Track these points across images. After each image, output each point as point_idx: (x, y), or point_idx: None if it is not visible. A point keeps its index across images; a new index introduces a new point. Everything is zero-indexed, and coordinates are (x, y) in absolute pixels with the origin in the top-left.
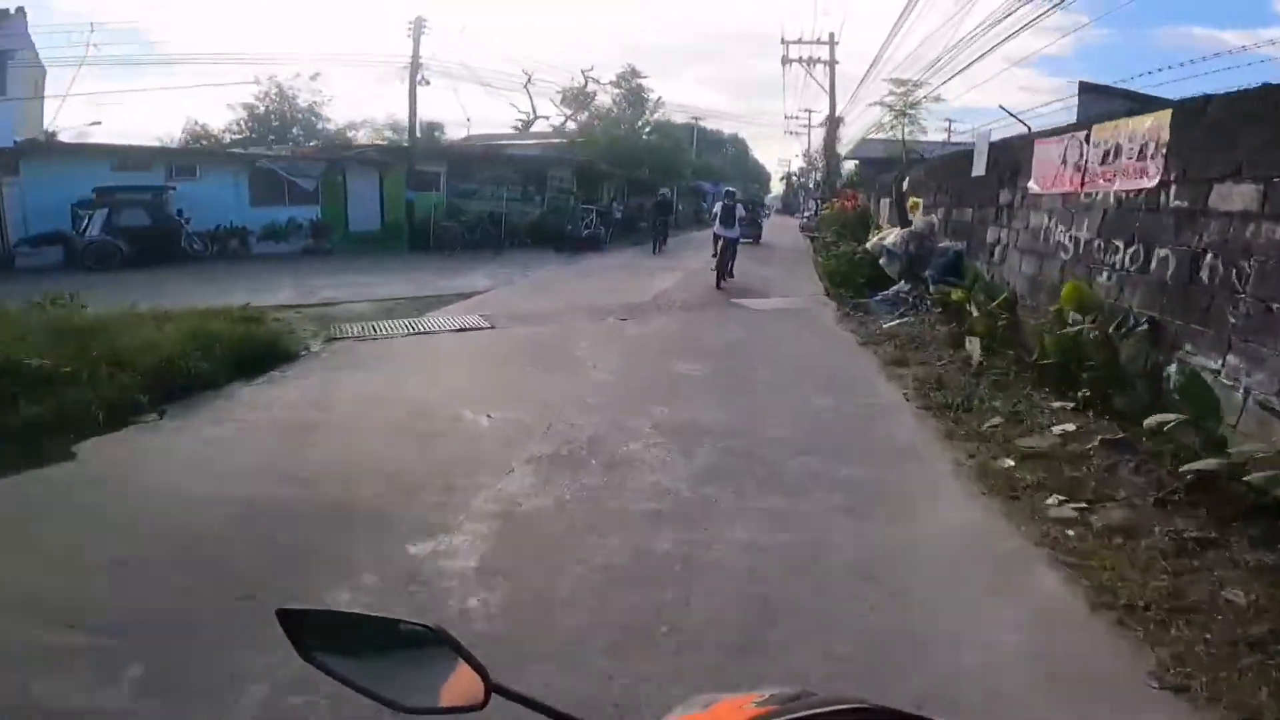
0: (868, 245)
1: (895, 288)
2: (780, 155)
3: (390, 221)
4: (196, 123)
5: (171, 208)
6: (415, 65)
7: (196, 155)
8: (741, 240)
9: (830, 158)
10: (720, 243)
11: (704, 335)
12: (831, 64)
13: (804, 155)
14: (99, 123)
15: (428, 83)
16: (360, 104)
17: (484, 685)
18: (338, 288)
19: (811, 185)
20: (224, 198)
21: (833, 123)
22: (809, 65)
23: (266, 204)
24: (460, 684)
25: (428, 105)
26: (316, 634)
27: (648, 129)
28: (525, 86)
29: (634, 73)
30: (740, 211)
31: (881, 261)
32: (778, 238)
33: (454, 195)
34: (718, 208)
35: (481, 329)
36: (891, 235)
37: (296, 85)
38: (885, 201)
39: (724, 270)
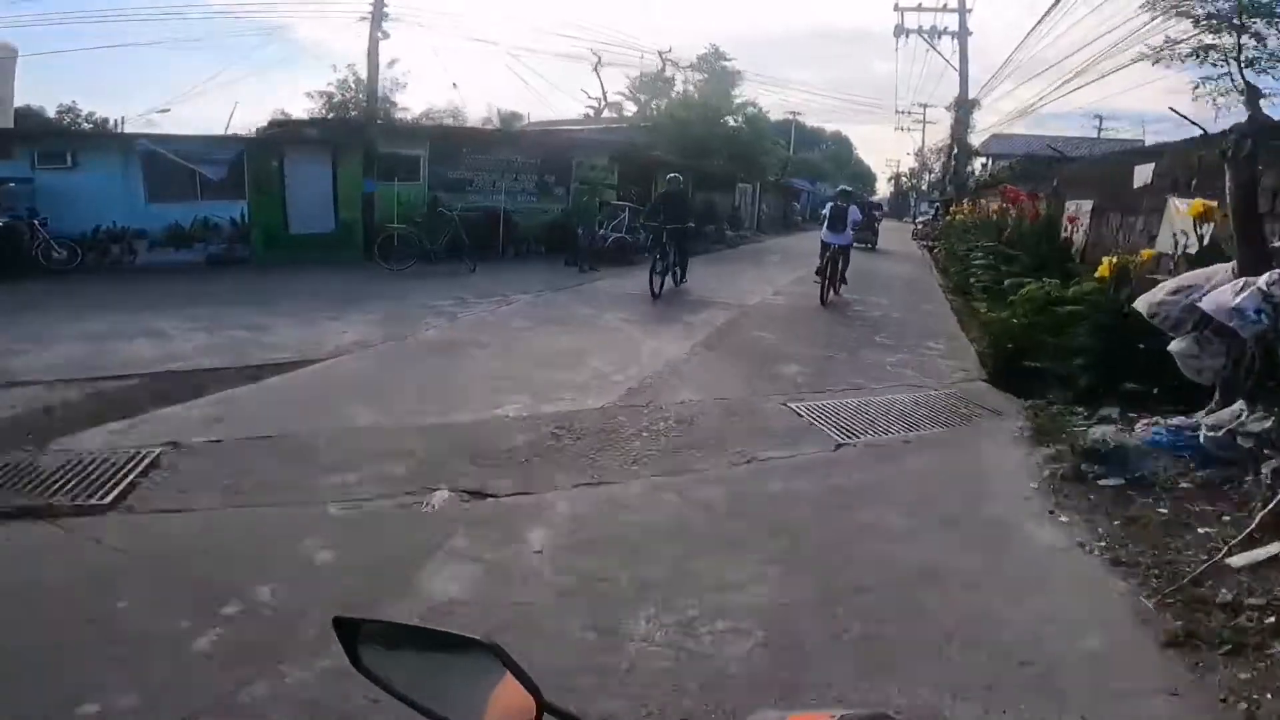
0: (1150, 299)
1: (1227, 414)
2: (888, 156)
3: (348, 220)
4: (283, 113)
5: (22, 205)
6: (378, 5)
7: (68, 138)
8: (854, 246)
9: (960, 151)
10: (828, 252)
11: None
12: (962, 34)
13: (916, 153)
14: (168, 110)
15: (386, 35)
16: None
17: (536, 703)
18: (95, 341)
19: (925, 186)
20: (108, 192)
21: (963, 106)
22: (932, 36)
23: (169, 199)
24: (511, 701)
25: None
26: (370, 644)
27: (739, 119)
28: (595, 70)
29: (718, 54)
30: (855, 214)
31: (1179, 345)
32: (889, 245)
33: (439, 186)
34: (826, 209)
35: None
36: (1230, 286)
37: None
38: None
39: (833, 282)
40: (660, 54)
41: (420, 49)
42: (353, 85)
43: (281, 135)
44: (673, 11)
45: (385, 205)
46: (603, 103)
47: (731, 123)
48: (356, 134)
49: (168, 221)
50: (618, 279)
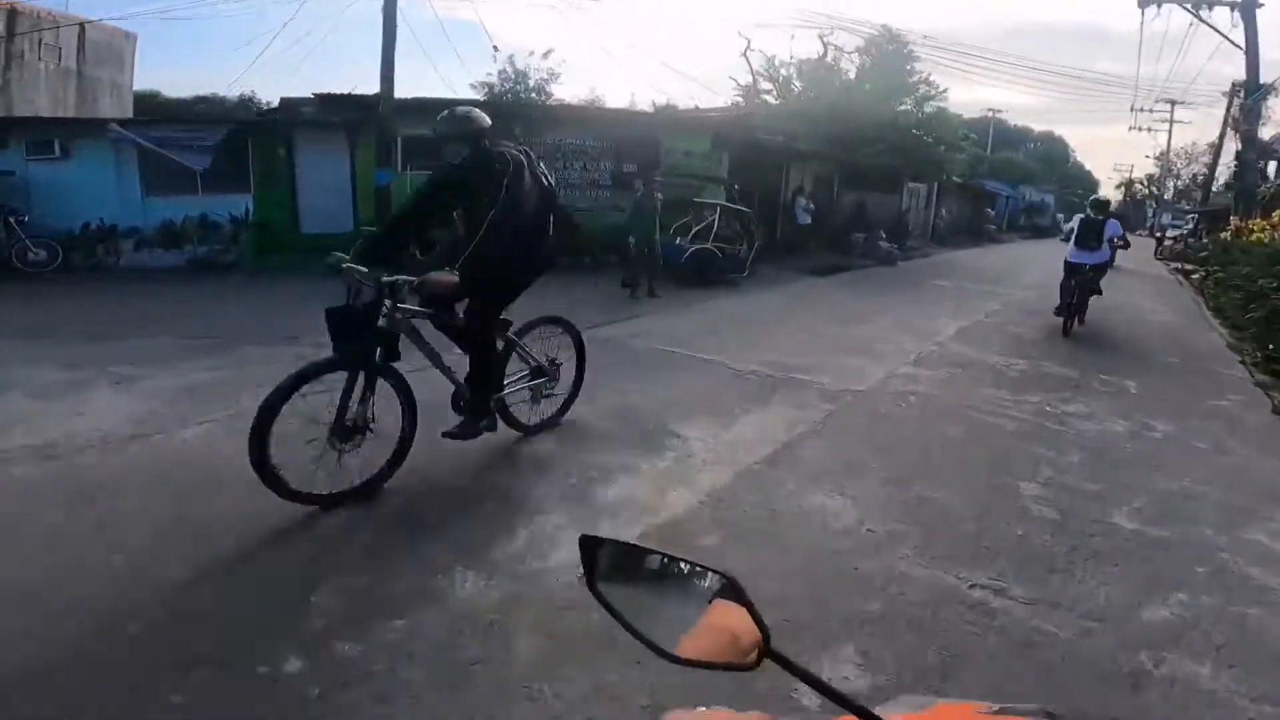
0: None
1: None
2: (1117, 160)
3: (369, 219)
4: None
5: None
6: None
7: (51, 126)
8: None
9: (1246, 149)
10: (1076, 277)
11: None
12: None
13: (1157, 157)
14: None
15: None
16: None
17: (760, 643)
18: None
19: (1170, 195)
20: (100, 185)
21: (1254, 93)
22: (1199, 7)
23: (166, 192)
24: (736, 641)
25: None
26: (608, 565)
27: (911, 104)
28: (744, 54)
29: (890, 35)
30: (1114, 229)
31: None
32: (1126, 262)
33: None
34: (1074, 223)
35: None
36: None
37: (530, 63)
38: None
39: (1078, 311)
40: (821, 37)
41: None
42: (512, 75)
43: (281, 117)
44: (865, 6)
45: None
46: (754, 90)
47: (902, 109)
48: (368, 115)
49: (163, 218)
50: (677, 315)
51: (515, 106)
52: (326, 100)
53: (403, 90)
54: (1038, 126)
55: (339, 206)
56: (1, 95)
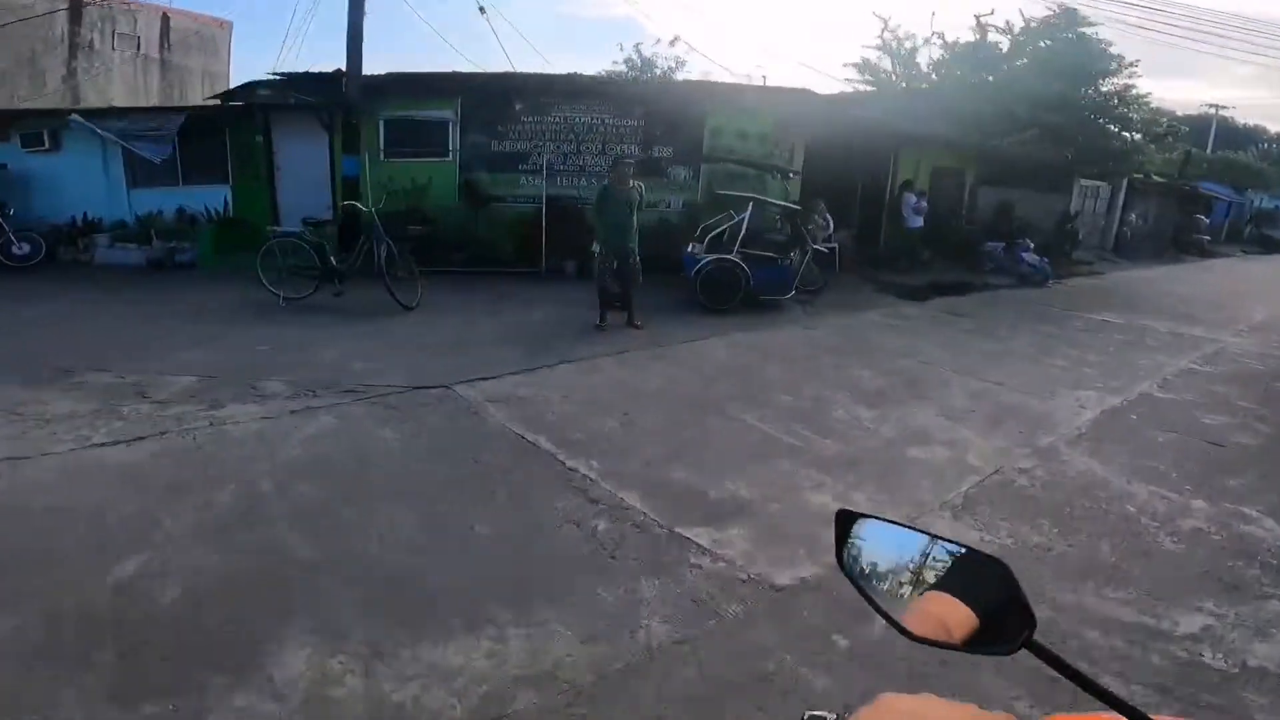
0: None
1: None
2: None
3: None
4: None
5: None
6: None
7: (42, 118)
8: None
9: None
10: None
11: None
12: None
13: None
14: None
15: None
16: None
17: (1024, 634)
18: None
19: None
20: (89, 177)
21: None
22: None
23: (151, 184)
24: (974, 625)
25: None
26: (863, 541)
27: (1099, 90)
28: (881, 36)
29: (1073, 18)
30: None
31: None
32: None
33: (478, 165)
34: None
35: None
36: None
37: (657, 50)
38: None
39: None
40: (977, 18)
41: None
42: (639, 63)
43: (238, 102)
44: None
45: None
46: (894, 77)
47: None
48: (330, 91)
49: (145, 211)
50: (632, 365)
51: (512, 78)
52: (288, 81)
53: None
54: (1275, 126)
55: (321, 200)
56: (66, 84)
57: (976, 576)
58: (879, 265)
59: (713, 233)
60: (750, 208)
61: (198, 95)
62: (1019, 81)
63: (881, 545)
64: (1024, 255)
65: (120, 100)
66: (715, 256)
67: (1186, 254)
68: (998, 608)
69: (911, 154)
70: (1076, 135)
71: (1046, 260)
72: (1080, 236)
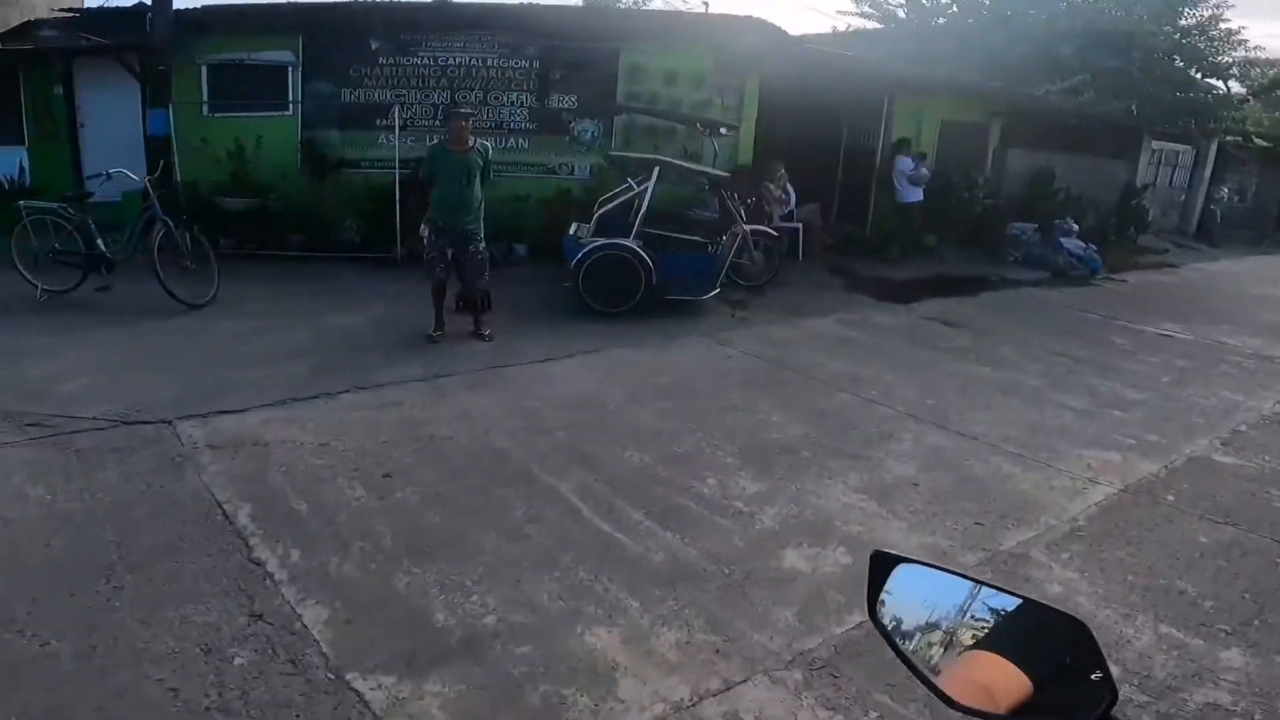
0: None
1: None
2: None
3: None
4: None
5: None
6: None
7: None
8: None
9: None
10: None
11: None
12: None
13: None
14: None
15: None
16: None
17: (1101, 706)
18: None
19: None
20: None
21: None
22: None
23: None
24: (990, 696)
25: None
26: (901, 589)
27: (1176, 26)
28: None
29: None
30: None
31: None
32: None
33: (323, 121)
34: None
35: None
36: None
37: None
38: None
39: None
40: None
41: None
42: None
43: (40, 43)
44: None
45: (205, 157)
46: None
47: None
48: (140, 28)
49: None
50: (436, 399)
51: (366, 7)
52: (82, 18)
53: None
54: None
55: (135, 165)
56: None
57: (1036, 635)
58: (861, 252)
59: (604, 209)
60: (655, 175)
61: None
62: (1063, 14)
63: (921, 594)
64: (1063, 241)
65: None
66: (603, 242)
67: None
68: (1058, 673)
69: (911, 104)
70: (1143, 83)
71: (1094, 248)
72: (1150, 216)
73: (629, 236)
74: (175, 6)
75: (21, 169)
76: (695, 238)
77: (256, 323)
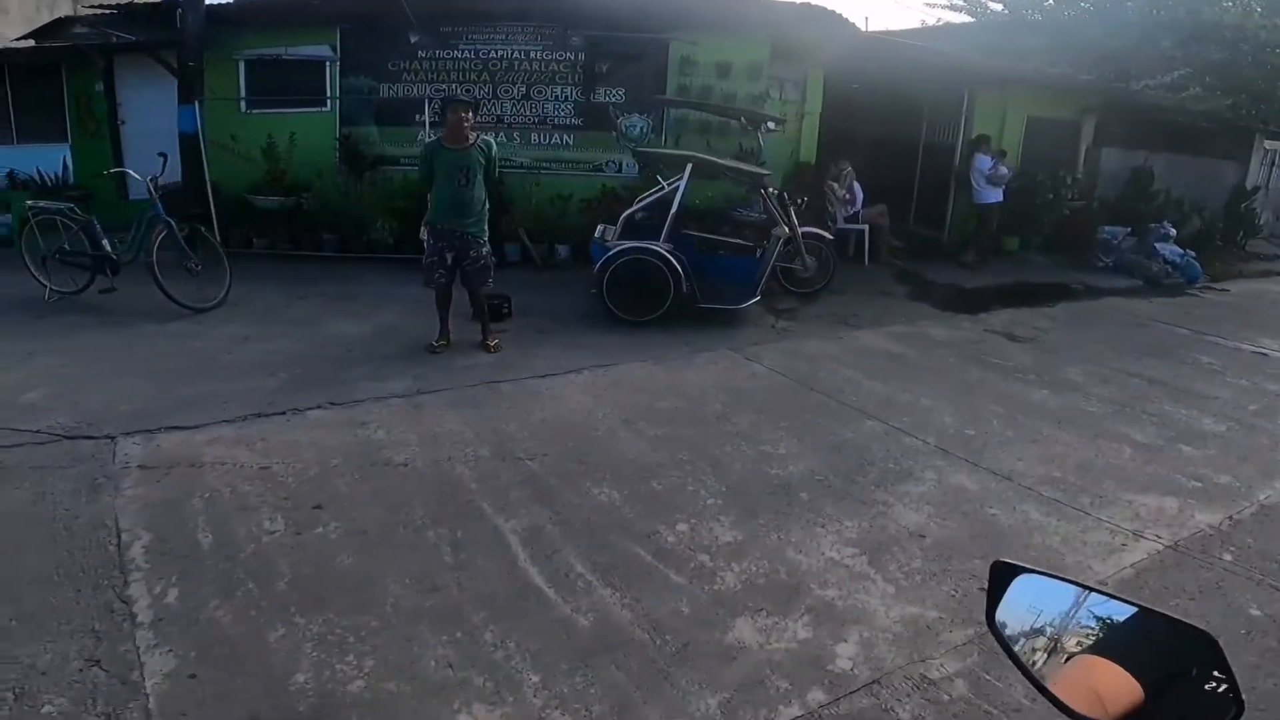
0: None
1: None
2: None
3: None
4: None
5: None
6: None
7: None
8: None
9: None
10: None
11: None
12: None
13: None
14: None
15: None
16: None
17: (1232, 714)
18: None
19: None
20: None
21: None
22: None
23: None
24: (1137, 698)
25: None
26: (1019, 597)
27: None
28: None
29: None
30: None
31: None
32: None
33: (361, 116)
34: None
35: None
36: None
37: None
38: None
39: None
40: None
41: None
42: None
43: (72, 40)
44: None
45: (239, 154)
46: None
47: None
48: (169, 21)
49: None
50: (407, 420)
51: None
52: (116, 14)
53: None
54: None
55: (174, 164)
56: None
57: (1153, 643)
58: (935, 256)
59: (631, 210)
60: (688, 172)
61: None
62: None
63: (1039, 601)
64: (1158, 247)
65: None
66: (629, 245)
67: None
68: (1172, 682)
69: (993, 99)
70: (1255, 78)
71: (1192, 254)
72: (1262, 220)
73: (659, 239)
74: (211, 1)
75: (65, 166)
76: (740, 241)
77: (255, 329)
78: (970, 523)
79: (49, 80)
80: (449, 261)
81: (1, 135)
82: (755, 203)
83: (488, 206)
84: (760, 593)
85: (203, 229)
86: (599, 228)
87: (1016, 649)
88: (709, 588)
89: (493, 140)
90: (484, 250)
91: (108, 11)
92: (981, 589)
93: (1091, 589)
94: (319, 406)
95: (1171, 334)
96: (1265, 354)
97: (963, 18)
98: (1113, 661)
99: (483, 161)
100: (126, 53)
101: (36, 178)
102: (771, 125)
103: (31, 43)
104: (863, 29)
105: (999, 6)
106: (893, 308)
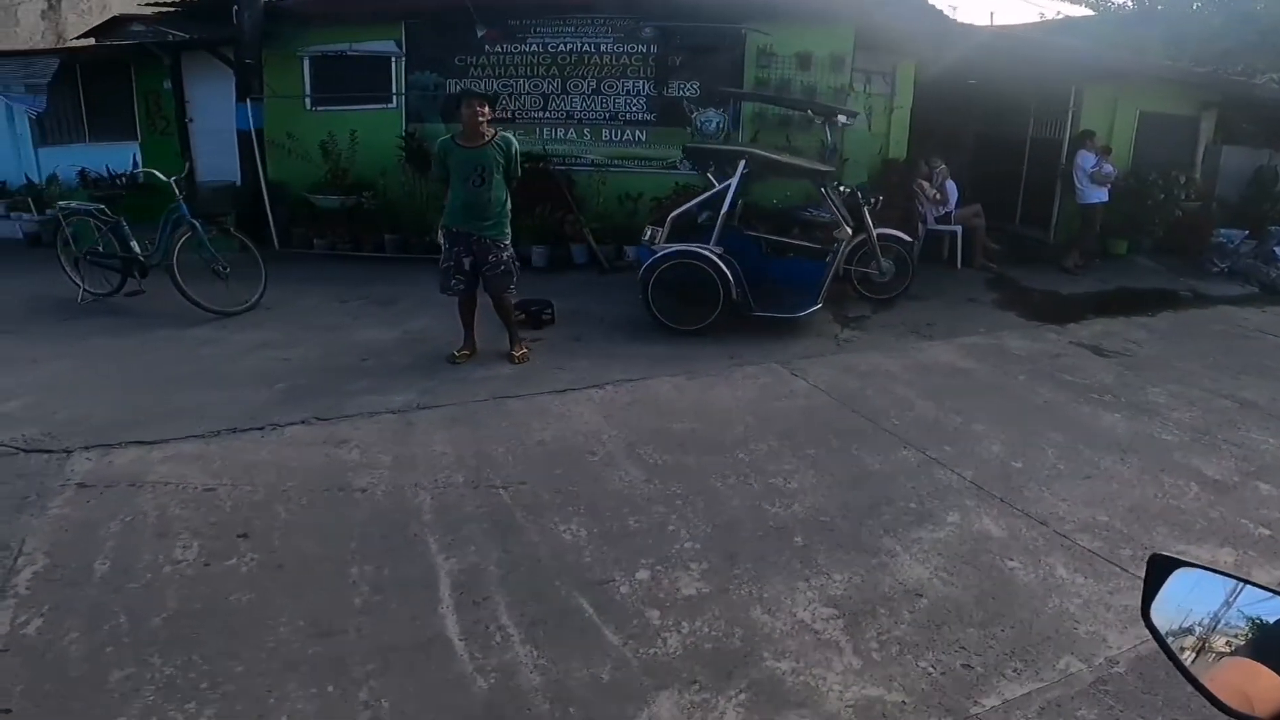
0: None
1: None
2: None
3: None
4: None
5: None
6: None
7: None
8: None
9: None
10: None
11: None
12: None
13: None
14: None
15: None
16: None
17: None
18: None
19: None
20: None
21: None
22: None
23: (62, 141)
24: (1246, 701)
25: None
26: (1177, 591)
27: None
28: None
29: None
30: None
31: None
32: None
33: (428, 112)
34: None
35: None
36: None
37: None
38: None
39: None
40: None
41: None
42: None
43: (129, 39)
44: None
45: (299, 153)
46: None
47: None
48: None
49: (52, 172)
50: (385, 441)
51: None
52: (176, 11)
53: None
54: None
55: (228, 159)
56: None
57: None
58: (1038, 260)
59: (679, 210)
60: (740, 169)
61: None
62: None
63: (1196, 597)
64: (1278, 251)
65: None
66: (675, 249)
67: None
68: None
69: (1102, 93)
70: None
71: None
72: None
73: (710, 241)
74: None
75: (135, 164)
76: (807, 243)
77: (279, 334)
78: (981, 578)
79: (118, 78)
80: (467, 267)
81: (74, 133)
82: (823, 203)
83: (508, 208)
84: (702, 660)
85: (231, 229)
86: (647, 229)
87: (1169, 642)
88: (644, 651)
89: (512, 137)
90: (505, 255)
91: (168, 10)
92: (966, 666)
93: (1250, 583)
94: (301, 422)
95: (1277, 346)
96: None
97: (1084, 10)
98: (1258, 661)
99: (501, 160)
100: (191, 50)
101: (106, 174)
102: (844, 119)
103: (91, 41)
104: (986, 23)
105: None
106: (975, 316)
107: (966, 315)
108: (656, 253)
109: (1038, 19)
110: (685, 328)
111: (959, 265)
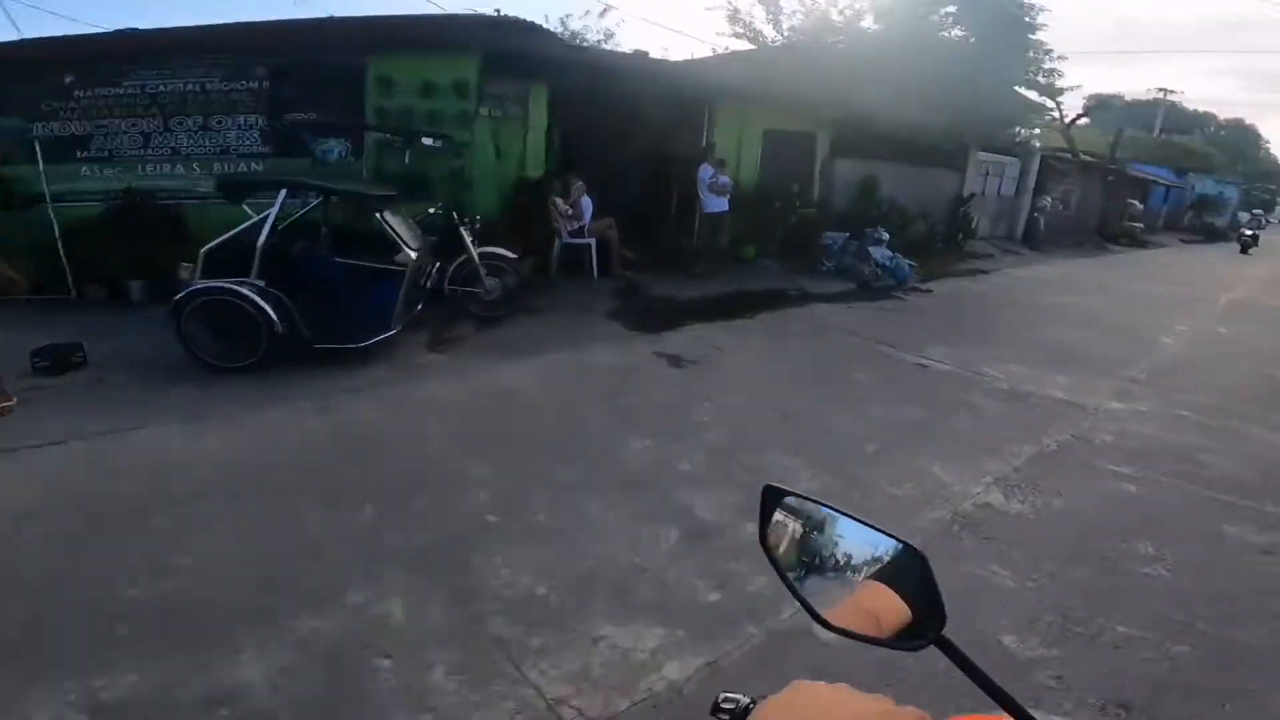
0: None
1: None
2: None
3: None
4: None
5: None
6: None
7: None
8: None
9: None
10: None
11: None
12: None
13: None
14: None
15: None
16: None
17: (935, 629)
18: None
19: None
20: None
21: None
22: None
23: None
24: (877, 622)
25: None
26: (789, 520)
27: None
28: None
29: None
30: None
31: None
32: None
33: (22, 156)
34: None
35: None
36: None
37: (585, 23)
38: None
39: None
40: None
41: None
42: (566, 38)
43: None
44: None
45: None
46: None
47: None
48: None
49: None
50: None
51: (54, 43)
52: None
53: None
54: (1225, 113)
55: None
56: None
57: (904, 568)
58: (676, 266)
59: (213, 245)
60: (280, 198)
61: None
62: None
63: (808, 526)
64: (870, 250)
65: None
66: (202, 286)
67: (1115, 244)
68: (931, 601)
69: (734, 114)
70: (964, 95)
71: (899, 256)
72: (976, 223)
73: (252, 274)
74: None
75: None
76: (381, 265)
77: None
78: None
79: None
80: None
81: None
82: (438, 223)
83: None
84: None
85: None
86: (182, 267)
87: (784, 567)
88: None
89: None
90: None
91: None
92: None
93: (844, 513)
94: None
95: (848, 345)
96: (925, 366)
97: (746, 44)
98: (884, 585)
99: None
100: None
101: None
102: (429, 141)
103: None
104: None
105: (774, 34)
106: (582, 329)
107: (574, 328)
108: (185, 289)
109: (710, 54)
110: (231, 365)
111: (595, 275)
